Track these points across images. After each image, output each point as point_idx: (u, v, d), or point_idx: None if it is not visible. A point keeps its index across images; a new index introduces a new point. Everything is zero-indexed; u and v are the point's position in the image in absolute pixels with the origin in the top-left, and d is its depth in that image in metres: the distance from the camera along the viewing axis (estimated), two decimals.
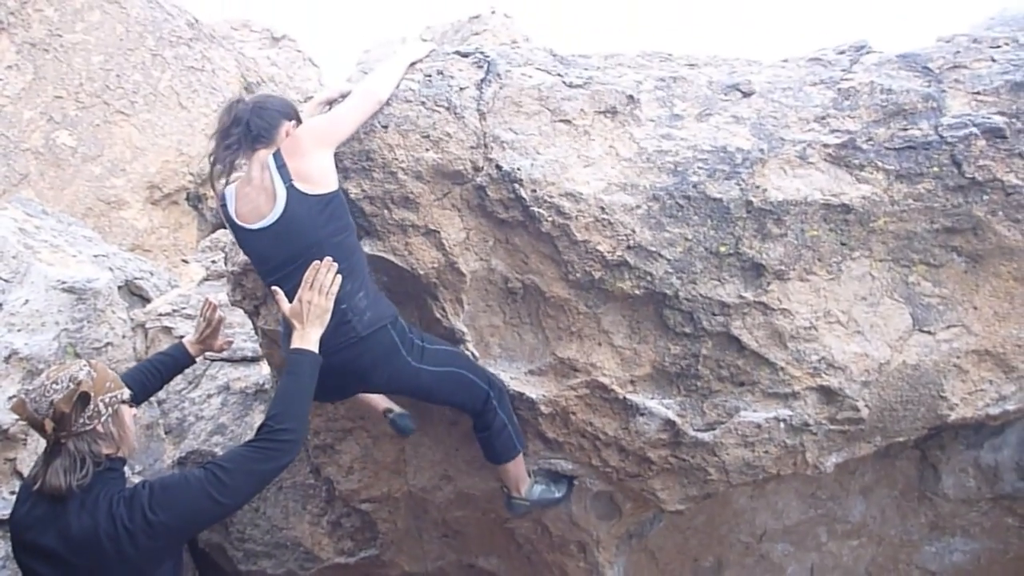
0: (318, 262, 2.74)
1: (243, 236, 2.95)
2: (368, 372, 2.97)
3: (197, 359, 3.41)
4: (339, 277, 2.75)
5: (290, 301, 2.74)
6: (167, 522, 2.31)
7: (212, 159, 2.98)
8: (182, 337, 3.67)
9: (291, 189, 2.82)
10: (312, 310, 2.71)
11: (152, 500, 2.32)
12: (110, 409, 2.40)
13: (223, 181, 2.98)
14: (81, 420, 2.33)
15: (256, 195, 2.88)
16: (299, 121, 3.01)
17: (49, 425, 2.34)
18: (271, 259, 2.90)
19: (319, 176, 2.86)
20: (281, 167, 2.84)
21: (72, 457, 2.32)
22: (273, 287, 2.84)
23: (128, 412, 2.49)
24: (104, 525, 2.27)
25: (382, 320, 2.94)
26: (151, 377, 3.20)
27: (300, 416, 2.57)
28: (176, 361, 3.29)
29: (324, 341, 2.71)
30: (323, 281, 2.73)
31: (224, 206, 2.98)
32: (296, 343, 2.69)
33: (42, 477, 2.33)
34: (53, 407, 2.32)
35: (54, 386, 2.34)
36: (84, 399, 2.32)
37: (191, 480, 2.38)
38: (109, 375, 2.46)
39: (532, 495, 3.44)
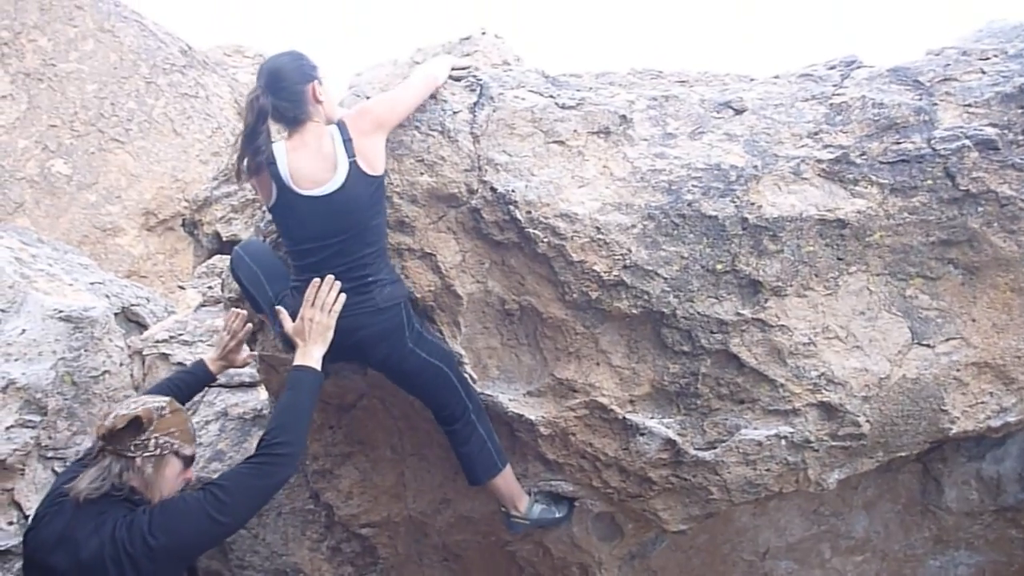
0: (318, 280, 2.80)
1: (291, 199, 2.89)
2: (372, 345, 2.98)
3: (219, 377, 3.38)
4: (342, 296, 2.82)
5: (317, 273, 2.81)
6: (167, 545, 2.32)
7: (245, 163, 2.93)
8: (181, 362, 3.66)
9: (353, 165, 2.84)
10: (315, 328, 2.75)
11: (152, 525, 2.32)
12: (158, 450, 2.41)
13: (249, 173, 2.95)
14: (128, 443, 2.36)
15: (313, 160, 2.87)
16: (317, 76, 2.97)
17: (104, 432, 2.40)
18: (313, 227, 2.87)
19: (375, 158, 2.90)
20: (347, 141, 2.85)
21: (102, 471, 2.36)
22: (277, 307, 2.86)
23: (178, 467, 2.48)
24: (108, 549, 2.29)
25: (398, 298, 2.98)
26: (172, 395, 3.18)
27: (298, 431, 2.59)
28: (196, 379, 3.28)
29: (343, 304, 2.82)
30: (325, 299, 2.77)
31: (273, 164, 2.89)
32: (298, 360, 2.73)
33: (77, 481, 2.38)
34: (113, 420, 2.38)
35: (127, 404, 2.41)
36: (135, 424, 2.36)
37: (190, 502, 2.39)
38: (182, 424, 2.48)
39: (532, 514, 3.40)
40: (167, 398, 2.52)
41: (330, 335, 2.77)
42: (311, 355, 2.73)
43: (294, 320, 2.84)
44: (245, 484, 2.44)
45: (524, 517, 3.39)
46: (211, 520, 2.36)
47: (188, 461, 2.51)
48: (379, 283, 2.93)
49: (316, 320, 2.74)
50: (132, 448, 2.36)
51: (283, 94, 2.90)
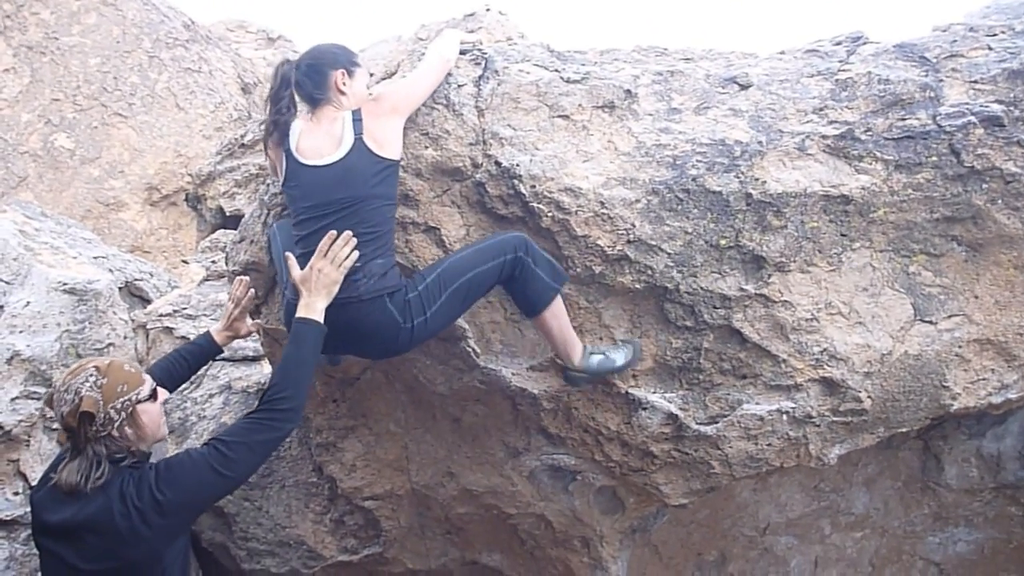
0: (334, 232, 2.76)
1: (294, 167, 2.95)
2: (365, 338, 2.91)
3: (225, 348, 3.39)
4: (355, 253, 2.77)
5: (311, 245, 2.79)
6: (175, 499, 2.35)
7: (265, 126, 3.04)
8: (185, 336, 3.67)
9: (359, 141, 2.86)
10: (321, 279, 2.72)
11: (158, 480, 2.36)
12: (123, 414, 2.41)
13: (281, 141, 3.00)
14: (93, 429, 2.36)
15: (322, 138, 2.92)
16: (348, 68, 3.02)
17: (63, 436, 2.41)
18: (312, 197, 2.89)
19: (388, 141, 2.91)
20: (357, 121, 2.90)
21: (90, 460, 2.36)
22: (286, 252, 2.86)
23: (147, 408, 2.48)
24: (117, 505, 2.32)
25: (383, 289, 2.84)
26: (179, 367, 3.23)
27: (300, 385, 2.58)
28: (203, 350, 3.31)
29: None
30: (338, 253, 2.75)
31: (286, 138, 2.97)
32: (301, 312, 2.71)
33: (60, 473, 2.38)
34: (63, 419, 2.37)
35: (66, 396, 2.37)
36: (87, 417, 2.34)
37: (195, 457, 2.43)
38: (123, 376, 2.45)
39: (590, 366, 3.14)
40: (93, 363, 2.44)
41: (335, 289, 2.73)
42: (314, 307, 2.69)
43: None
44: (248, 439, 2.46)
45: (582, 370, 3.16)
46: (216, 474, 2.39)
47: (153, 395, 2.51)
48: (367, 273, 2.82)
49: (325, 272, 2.71)
50: (100, 429, 2.36)
51: (308, 71, 3.01)
